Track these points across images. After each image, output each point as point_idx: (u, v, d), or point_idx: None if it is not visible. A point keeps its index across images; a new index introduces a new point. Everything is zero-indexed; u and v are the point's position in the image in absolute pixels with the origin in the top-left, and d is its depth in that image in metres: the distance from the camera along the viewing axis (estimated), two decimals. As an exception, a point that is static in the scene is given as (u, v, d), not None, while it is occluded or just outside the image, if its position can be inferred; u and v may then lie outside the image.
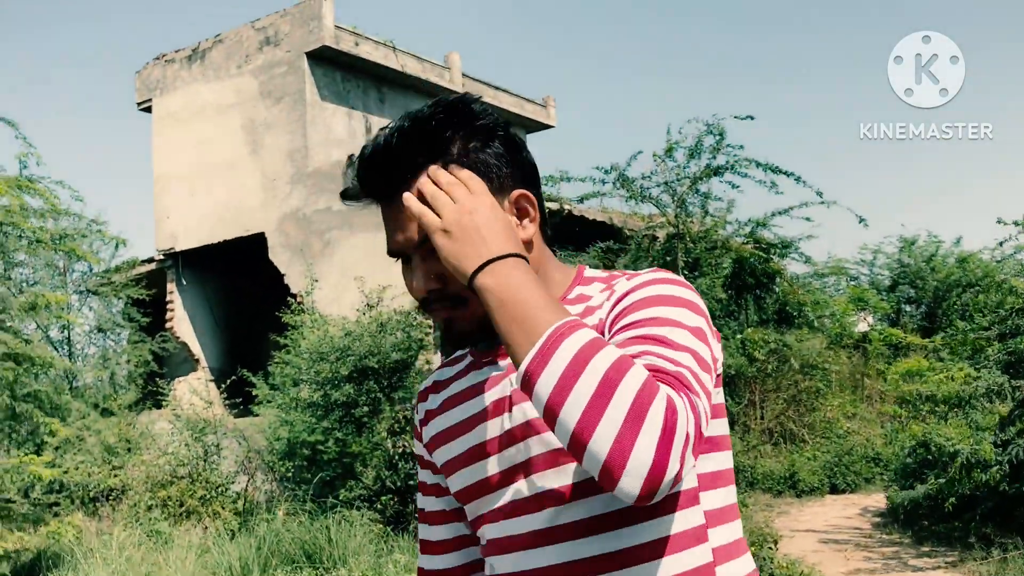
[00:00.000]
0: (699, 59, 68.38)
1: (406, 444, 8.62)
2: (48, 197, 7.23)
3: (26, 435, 10.17)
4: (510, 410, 1.19)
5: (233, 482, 9.81)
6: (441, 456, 1.29)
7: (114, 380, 15.16)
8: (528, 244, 1.20)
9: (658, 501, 0.99)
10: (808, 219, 11.08)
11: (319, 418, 9.09)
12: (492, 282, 1.05)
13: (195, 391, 11.23)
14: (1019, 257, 15.82)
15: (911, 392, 6.76)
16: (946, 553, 6.86)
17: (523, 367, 1.00)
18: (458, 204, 1.10)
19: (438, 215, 1.09)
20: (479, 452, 1.22)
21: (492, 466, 1.21)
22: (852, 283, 18.08)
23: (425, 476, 1.37)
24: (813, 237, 16.47)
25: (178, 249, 16.36)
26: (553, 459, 1.14)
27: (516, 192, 1.19)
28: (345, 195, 1.27)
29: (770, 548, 6.03)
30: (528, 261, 1.09)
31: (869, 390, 13.21)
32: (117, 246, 13.80)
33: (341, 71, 15.72)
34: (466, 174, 1.13)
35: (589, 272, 1.30)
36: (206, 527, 8.81)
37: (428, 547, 1.36)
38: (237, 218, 15.65)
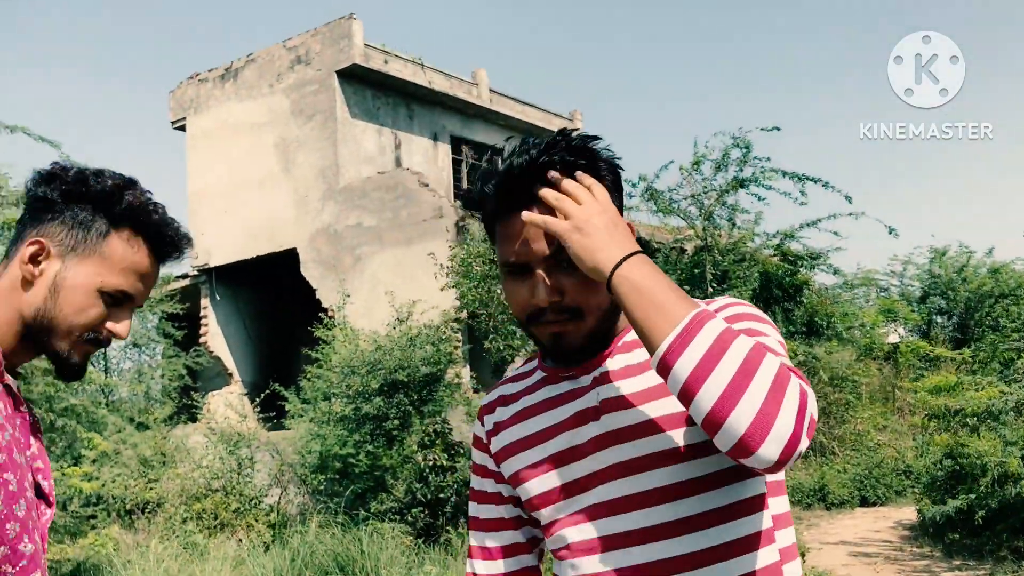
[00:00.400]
0: (721, 68, 68.29)
1: (436, 457, 8.71)
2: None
3: (63, 449, 10.38)
4: (597, 419, 1.28)
5: (266, 495, 9.94)
6: (514, 465, 1.36)
7: (149, 394, 15.39)
8: None
9: (735, 504, 1.20)
10: (836, 233, 11.08)
11: (350, 431, 9.21)
12: (631, 273, 1.15)
13: (229, 404, 11.41)
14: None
15: (939, 407, 6.75)
16: (977, 567, 6.82)
17: (662, 349, 1.10)
18: (585, 205, 1.20)
19: (566, 218, 1.19)
20: (561, 459, 1.30)
21: (576, 471, 1.29)
22: (882, 294, 17.95)
23: (487, 485, 1.44)
24: (841, 249, 16.41)
25: (212, 265, 16.63)
26: (641, 464, 1.24)
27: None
28: (466, 202, 1.37)
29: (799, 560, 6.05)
30: None
31: (900, 402, 13.12)
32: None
33: (371, 88, 15.94)
34: (589, 179, 1.23)
35: None
36: (240, 539, 8.94)
37: (485, 553, 1.44)
38: (270, 234, 15.89)
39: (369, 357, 9.39)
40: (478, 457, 1.46)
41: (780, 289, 12.63)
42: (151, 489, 10.68)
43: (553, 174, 1.22)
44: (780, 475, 1.31)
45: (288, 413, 11.07)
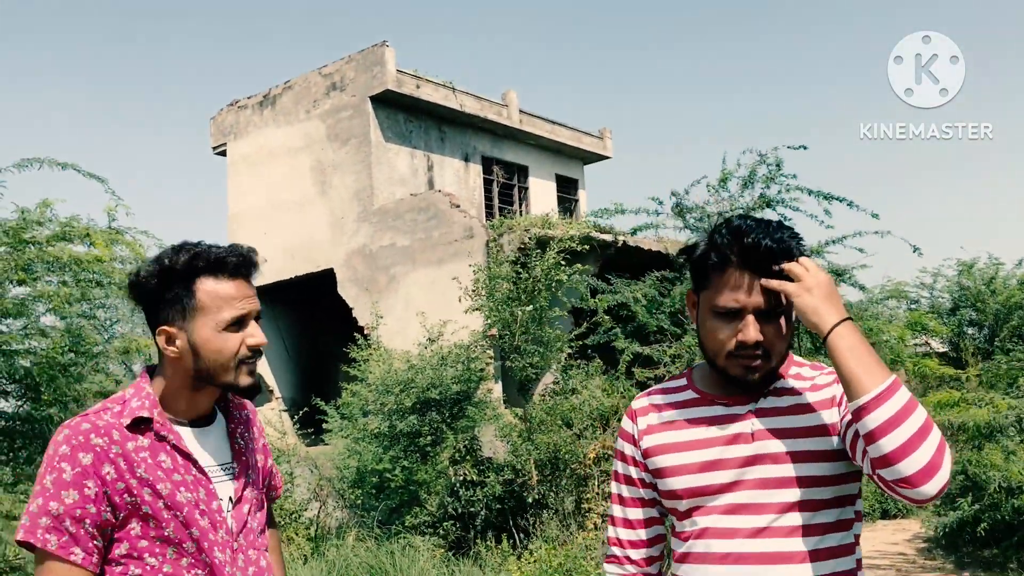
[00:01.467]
0: (741, 75, 68.04)
1: (466, 472, 9.04)
2: (135, 247, 7.88)
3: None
4: (750, 442, 1.71)
5: (306, 509, 10.29)
6: (662, 461, 1.79)
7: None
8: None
9: (836, 522, 1.69)
10: (861, 250, 11.25)
11: (386, 448, 9.53)
12: (847, 333, 1.58)
13: (269, 421, 11.82)
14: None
15: (943, 422, 6.96)
16: (988, 579, 7.02)
17: (864, 399, 1.53)
18: (813, 273, 1.62)
19: (798, 280, 1.61)
20: (712, 465, 1.73)
21: (721, 477, 1.72)
22: (912, 307, 17.97)
23: (631, 471, 1.88)
24: (867, 267, 16.51)
25: (252, 285, 17.14)
26: (778, 483, 1.69)
27: None
28: (701, 256, 1.74)
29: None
30: None
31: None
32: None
33: (404, 113, 16.41)
34: (810, 262, 1.65)
35: (795, 357, 1.83)
36: (281, 551, 9.33)
37: (626, 523, 1.91)
38: (307, 255, 16.39)
39: (403, 376, 9.74)
40: (627, 449, 1.90)
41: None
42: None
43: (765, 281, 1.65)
44: (860, 505, 1.77)
45: (326, 429, 11.45)
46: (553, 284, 9.76)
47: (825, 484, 1.69)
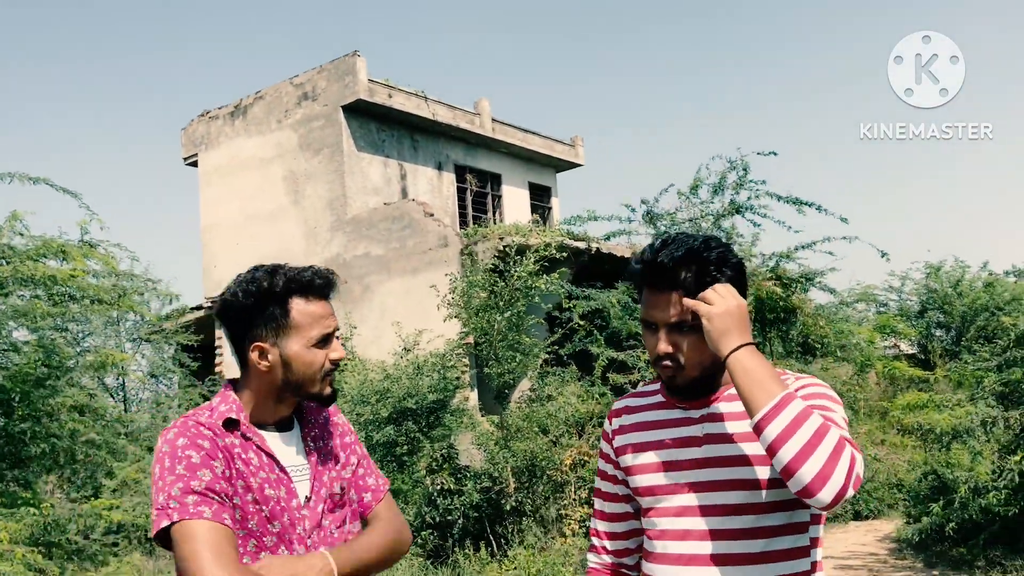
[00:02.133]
0: (724, 76, 68.64)
1: (443, 481, 9.07)
2: (108, 260, 7.86)
3: (84, 479, 10.72)
4: (700, 446, 1.81)
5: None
6: (629, 460, 1.91)
7: (166, 423, 15.71)
8: None
9: (787, 525, 1.74)
10: (831, 253, 11.41)
11: (362, 458, 9.52)
12: (744, 357, 1.68)
13: (244, 433, 11.76)
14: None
15: (911, 424, 7.10)
16: (955, 578, 7.16)
17: (759, 416, 1.62)
18: (724, 299, 1.71)
19: (709, 303, 1.71)
20: (665, 466, 1.84)
21: (674, 478, 1.83)
22: (881, 309, 18.24)
23: (608, 468, 2.00)
24: (836, 270, 16.73)
25: (225, 296, 17.08)
26: (727, 485, 1.76)
27: None
28: (630, 273, 1.89)
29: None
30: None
31: (893, 418, 13.41)
32: (171, 300, 14.52)
33: (376, 122, 16.43)
34: (726, 288, 1.74)
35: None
36: (258, 563, 9.30)
37: (604, 516, 2.04)
38: (280, 265, 16.34)
39: (378, 386, 9.76)
40: (604, 447, 2.03)
41: (774, 312, 12.97)
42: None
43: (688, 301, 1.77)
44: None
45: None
46: (531, 292, 9.83)
47: (771, 487, 1.75)
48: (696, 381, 1.83)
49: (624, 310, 13.37)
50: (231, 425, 1.89)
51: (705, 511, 1.79)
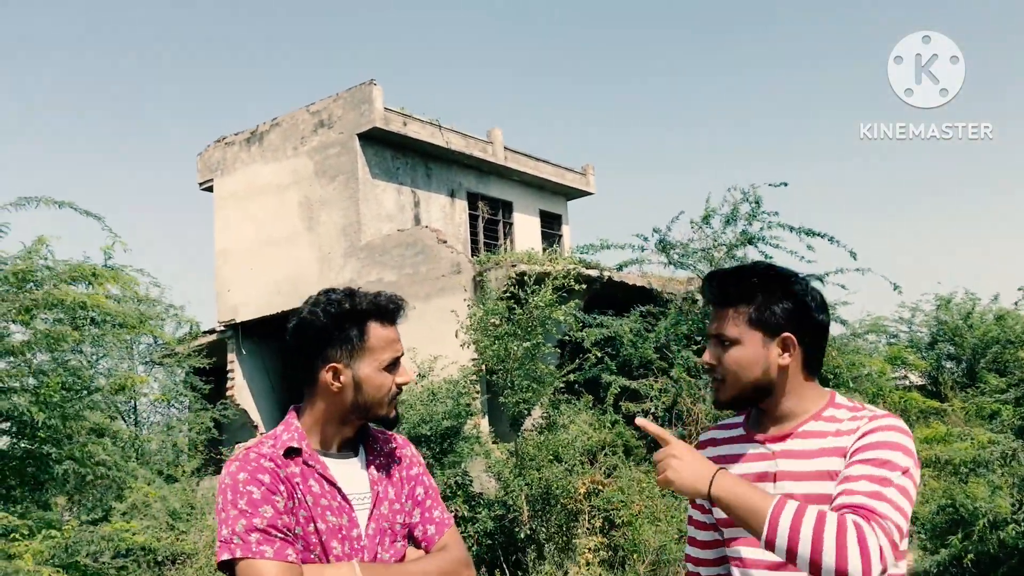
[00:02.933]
0: (727, 88, 68.89)
1: (457, 508, 9.07)
2: (130, 286, 7.94)
3: (94, 502, 10.72)
4: (774, 482, 1.87)
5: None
6: None
7: (177, 447, 15.73)
8: (784, 369, 1.90)
9: None
10: (843, 287, 11.45)
11: (376, 484, 9.52)
12: (721, 493, 1.74)
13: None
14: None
15: (931, 456, 7.11)
16: (976, 612, 7.10)
17: (763, 539, 1.68)
18: (677, 458, 1.79)
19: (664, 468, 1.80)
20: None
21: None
22: (892, 340, 18.22)
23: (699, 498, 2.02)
24: (848, 303, 16.74)
25: (238, 320, 17.16)
26: None
27: (784, 334, 1.89)
28: (702, 292, 2.07)
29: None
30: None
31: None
32: (191, 327, 14.59)
33: (391, 150, 16.58)
34: (671, 446, 1.83)
35: (839, 399, 1.95)
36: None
37: (695, 543, 2.11)
38: (294, 290, 16.42)
39: (393, 412, 9.77)
40: None
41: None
42: (181, 541, 11.00)
43: (640, 421, 1.89)
44: (904, 544, 1.83)
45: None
46: (547, 320, 9.88)
47: None
48: (737, 399, 1.92)
49: (636, 338, 13.42)
50: (293, 453, 1.91)
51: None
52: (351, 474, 1.99)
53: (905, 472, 1.75)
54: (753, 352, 1.89)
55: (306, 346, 1.98)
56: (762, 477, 1.90)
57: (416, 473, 2.12)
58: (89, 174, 62.98)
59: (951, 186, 56.78)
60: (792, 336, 1.89)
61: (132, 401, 16.00)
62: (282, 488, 1.84)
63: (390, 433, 2.15)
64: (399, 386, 2.03)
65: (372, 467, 2.04)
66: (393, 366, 2.01)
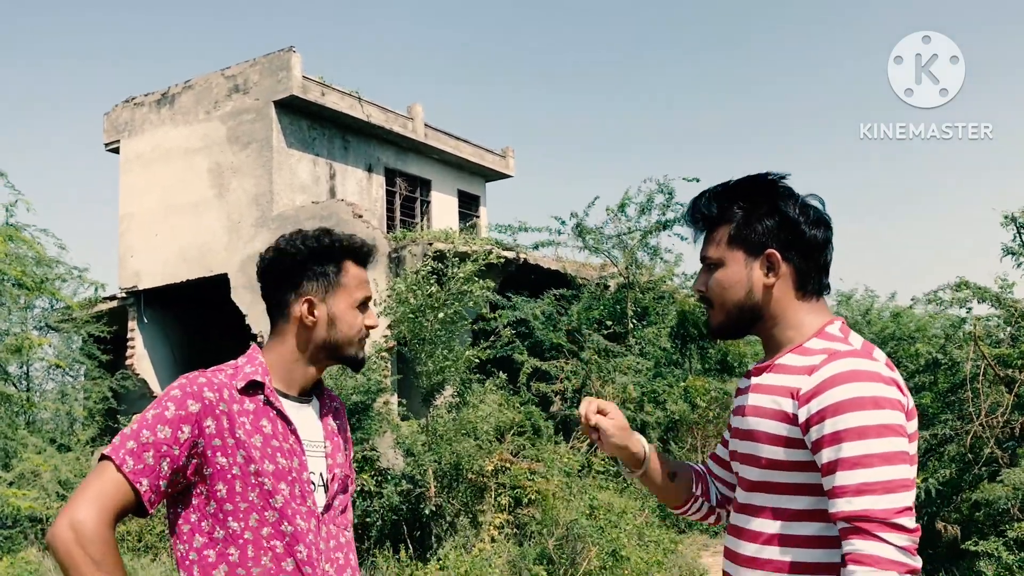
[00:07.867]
0: (710, 70, 69.87)
1: (364, 482, 8.99)
2: (33, 246, 7.62)
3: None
4: (744, 415, 1.79)
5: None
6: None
7: (71, 415, 15.19)
8: (768, 289, 1.77)
9: (811, 510, 1.65)
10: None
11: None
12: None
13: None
14: (951, 312, 16.65)
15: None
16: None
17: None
18: (614, 419, 1.96)
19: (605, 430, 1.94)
20: (731, 433, 1.91)
21: (732, 446, 1.89)
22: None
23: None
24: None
25: (141, 287, 16.60)
26: (745, 459, 1.78)
27: (768, 251, 1.76)
28: (687, 220, 1.92)
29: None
30: None
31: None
32: (96, 290, 14.04)
33: (307, 119, 16.23)
34: (609, 416, 1.98)
35: (832, 328, 1.77)
36: (165, 561, 9.06)
37: (712, 457, 2.12)
38: (200, 259, 15.98)
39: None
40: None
41: (696, 328, 13.27)
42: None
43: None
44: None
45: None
46: (465, 296, 9.87)
47: (784, 468, 1.67)
48: (726, 325, 1.82)
49: (548, 321, 13.55)
50: (253, 388, 1.87)
51: (740, 483, 1.82)
52: (307, 420, 1.98)
53: (882, 430, 1.53)
54: (735, 272, 1.77)
55: (281, 279, 1.98)
56: (737, 411, 1.84)
57: (349, 437, 2.15)
58: (-15, 130, 60.00)
59: (948, 185, 57.87)
60: (776, 253, 1.74)
61: (24, 366, 15.34)
62: (208, 424, 1.77)
63: (334, 394, 2.16)
64: (368, 328, 2.04)
65: (328, 417, 2.05)
66: (363, 306, 2.03)
